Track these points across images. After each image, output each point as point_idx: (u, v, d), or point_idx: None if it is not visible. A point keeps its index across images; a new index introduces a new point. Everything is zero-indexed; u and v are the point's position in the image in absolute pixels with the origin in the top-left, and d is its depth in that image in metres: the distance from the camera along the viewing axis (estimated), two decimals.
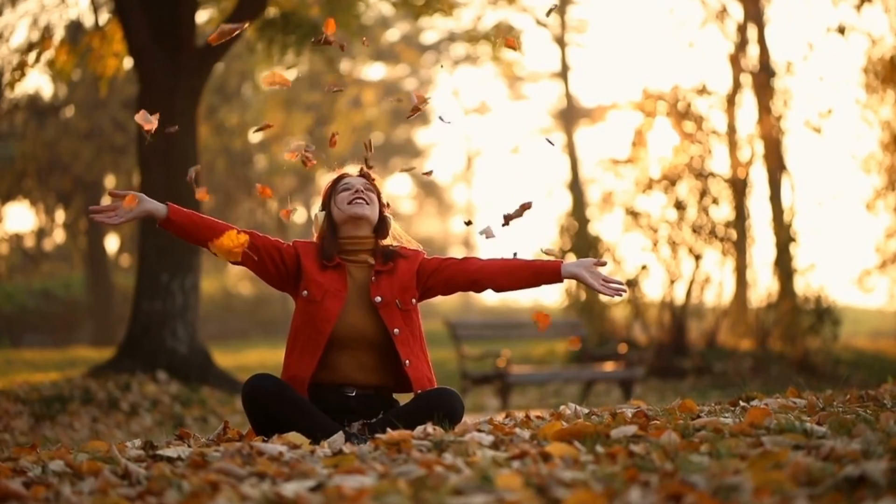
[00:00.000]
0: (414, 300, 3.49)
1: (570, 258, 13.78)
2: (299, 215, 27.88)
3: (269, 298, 24.51)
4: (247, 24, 3.48)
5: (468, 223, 4.02)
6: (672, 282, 13.34)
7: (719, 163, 14.00)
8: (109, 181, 20.62)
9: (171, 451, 2.70)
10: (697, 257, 13.34)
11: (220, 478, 2.19)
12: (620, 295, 3.50)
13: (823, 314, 13.17)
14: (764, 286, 14.10)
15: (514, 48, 3.59)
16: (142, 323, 9.34)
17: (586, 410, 3.42)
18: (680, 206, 13.22)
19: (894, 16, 15.85)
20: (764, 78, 15.48)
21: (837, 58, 24.13)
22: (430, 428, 2.77)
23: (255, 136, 20.63)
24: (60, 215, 21.65)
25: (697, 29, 20.41)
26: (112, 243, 23.24)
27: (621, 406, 3.62)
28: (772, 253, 14.36)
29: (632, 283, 13.27)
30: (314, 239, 3.61)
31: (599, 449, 2.40)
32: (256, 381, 3.34)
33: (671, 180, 13.30)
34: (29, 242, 23.43)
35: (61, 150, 18.84)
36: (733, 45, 16.43)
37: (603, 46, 40.65)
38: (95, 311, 21.16)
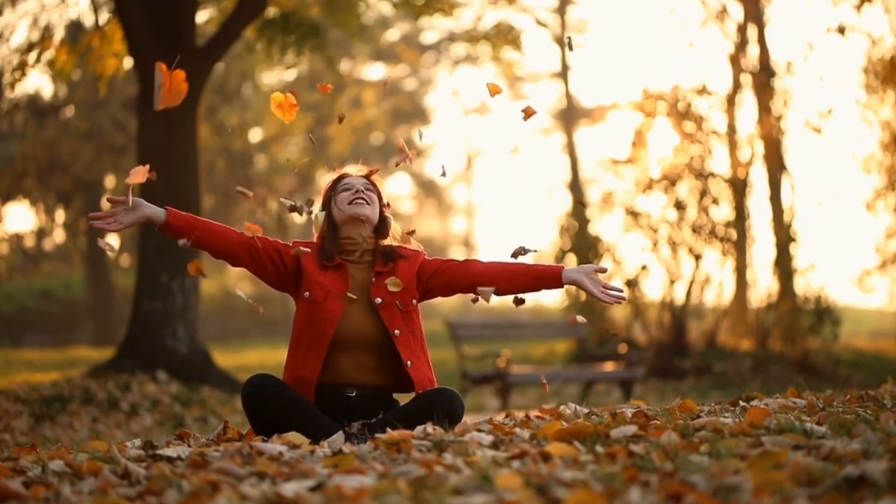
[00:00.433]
0: (414, 301, 3.49)
1: (570, 258, 13.81)
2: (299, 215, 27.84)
3: (270, 299, 24.47)
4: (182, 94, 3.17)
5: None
6: (672, 282, 13.34)
7: (719, 163, 14.01)
8: (109, 181, 20.63)
9: (171, 451, 2.70)
10: (697, 257, 13.34)
11: (220, 478, 2.19)
12: (620, 302, 3.50)
13: (823, 314, 13.16)
14: (764, 286, 14.11)
15: (528, 114, 3.54)
16: (142, 323, 9.34)
17: (586, 410, 3.42)
18: (680, 206, 13.22)
19: (894, 16, 15.86)
20: (764, 78, 15.47)
21: (837, 58, 24.16)
22: (430, 428, 2.77)
23: (255, 136, 20.63)
24: (60, 215, 21.66)
25: (697, 29, 20.46)
26: (112, 243, 23.21)
27: (621, 406, 3.62)
28: (772, 253, 14.36)
29: (632, 283, 13.27)
30: (314, 239, 3.61)
31: (599, 449, 2.40)
32: (256, 382, 3.34)
33: (671, 180, 13.29)
34: (29, 242, 23.43)
35: (61, 150, 18.84)
36: (733, 45, 16.43)
37: (603, 46, 40.65)
38: (95, 311, 21.16)
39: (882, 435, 2.38)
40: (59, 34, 13.42)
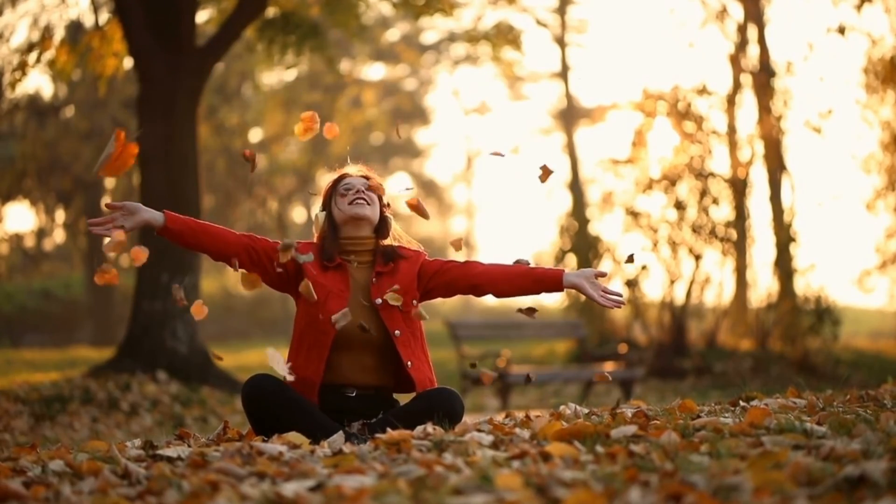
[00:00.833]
0: (415, 301, 3.49)
1: (570, 258, 13.82)
2: (299, 215, 27.89)
3: (270, 298, 24.50)
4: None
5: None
6: (672, 282, 13.34)
7: (719, 163, 14.02)
8: (109, 181, 20.60)
9: (171, 451, 2.69)
10: (697, 257, 13.34)
11: (220, 478, 2.19)
12: (619, 307, 3.51)
13: (823, 314, 13.17)
14: (764, 286, 14.11)
15: (545, 174, 3.54)
16: (142, 323, 9.34)
17: (586, 410, 3.42)
18: (680, 206, 13.22)
19: (894, 16, 15.86)
20: (764, 78, 15.47)
21: (837, 58, 24.12)
22: (430, 428, 2.77)
23: (255, 136, 20.64)
24: (60, 215, 21.66)
25: (697, 29, 20.43)
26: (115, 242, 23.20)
27: (621, 406, 3.62)
28: (772, 253, 14.37)
29: (632, 283, 13.27)
30: (314, 239, 3.61)
31: (599, 449, 2.40)
32: (256, 381, 3.34)
33: (671, 180, 13.30)
34: (29, 242, 23.43)
35: (61, 150, 18.84)
36: (733, 45, 16.43)
37: (603, 46, 40.65)
38: (95, 311, 21.16)
39: (882, 435, 2.38)
40: (59, 34, 13.42)
